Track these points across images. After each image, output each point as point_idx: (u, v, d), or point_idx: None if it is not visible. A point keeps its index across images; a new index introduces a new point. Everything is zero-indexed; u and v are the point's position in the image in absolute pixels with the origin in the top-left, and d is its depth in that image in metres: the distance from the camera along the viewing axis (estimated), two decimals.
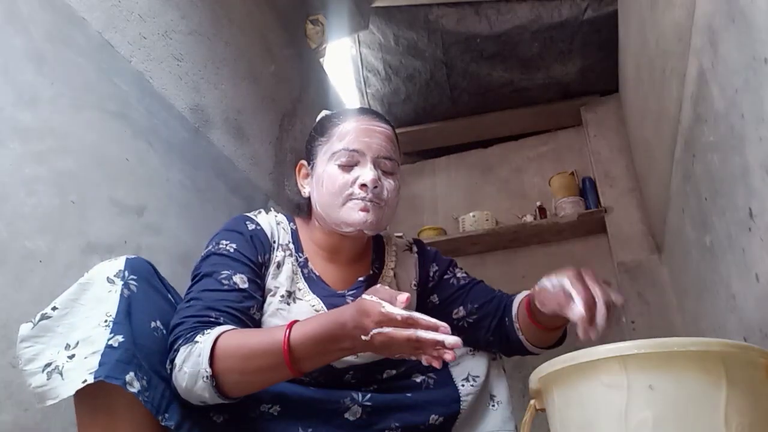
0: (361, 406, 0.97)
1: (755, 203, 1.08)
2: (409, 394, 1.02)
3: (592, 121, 2.95)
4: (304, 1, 2.50)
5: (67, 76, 1.26)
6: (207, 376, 0.81)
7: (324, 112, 1.15)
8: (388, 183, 1.03)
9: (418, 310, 1.03)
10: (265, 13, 2.18)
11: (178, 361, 0.84)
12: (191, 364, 0.82)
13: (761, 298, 1.13)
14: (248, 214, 1.08)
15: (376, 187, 1.00)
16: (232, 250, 0.98)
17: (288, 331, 0.81)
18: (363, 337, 0.76)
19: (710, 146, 1.32)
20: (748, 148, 1.06)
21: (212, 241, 1.01)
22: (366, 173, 1.00)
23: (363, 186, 0.99)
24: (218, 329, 0.85)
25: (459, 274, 1.17)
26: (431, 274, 1.17)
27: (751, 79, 0.99)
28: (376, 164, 1.02)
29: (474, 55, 2.78)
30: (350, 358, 0.98)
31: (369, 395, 0.99)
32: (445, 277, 1.16)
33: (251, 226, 1.04)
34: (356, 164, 1.02)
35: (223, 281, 0.93)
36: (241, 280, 0.94)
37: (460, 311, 1.12)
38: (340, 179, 1.00)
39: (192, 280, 0.96)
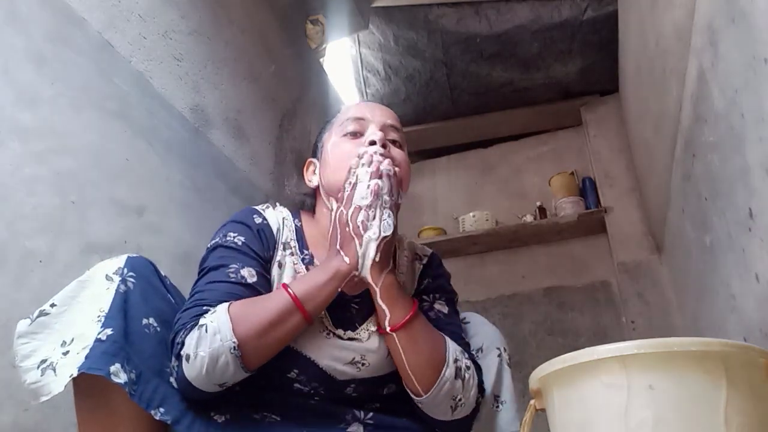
0: (363, 423, 0.96)
1: (755, 203, 1.08)
2: (407, 420, 0.98)
3: (592, 121, 2.95)
4: (304, 1, 2.50)
5: (67, 76, 1.26)
6: (233, 347, 0.81)
7: None
8: (397, 152, 1.01)
9: None
10: (265, 13, 2.17)
11: (188, 349, 0.82)
12: (207, 344, 0.81)
13: (761, 298, 1.13)
14: (256, 208, 1.06)
15: (384, 146, 0.98)
16: (240, 243, 0.96)
17: (285, 287, 0.88)
18: (345, 259, 0.89)
19: (710, 146, 1.32)
20: (748, 148, 1.06)
21: (219, 233, 0.99)
22: (374, 132, 1.00)
23: (371, 143, 0.98)
24: (222, 305, 0.85)
25: (437, 306, 1.04)
26: (421, 286, 1.09)
27: (751, 79, 0.99)
28: (383, 130, 1.02)
29: (474, 55, 2.78)
30: (352, 372, 0.95)
31: (371, 414, 0.97)
32: (424, 297, 1.05)
33: (258, 220, 1.02)
34: (363, 132, 1.02)
35: (231, 275, 0.91)
36: (249, 274, 0.93)
37: None
38: (347, 146, 1.00)
39: (199, 273, 0.95)
